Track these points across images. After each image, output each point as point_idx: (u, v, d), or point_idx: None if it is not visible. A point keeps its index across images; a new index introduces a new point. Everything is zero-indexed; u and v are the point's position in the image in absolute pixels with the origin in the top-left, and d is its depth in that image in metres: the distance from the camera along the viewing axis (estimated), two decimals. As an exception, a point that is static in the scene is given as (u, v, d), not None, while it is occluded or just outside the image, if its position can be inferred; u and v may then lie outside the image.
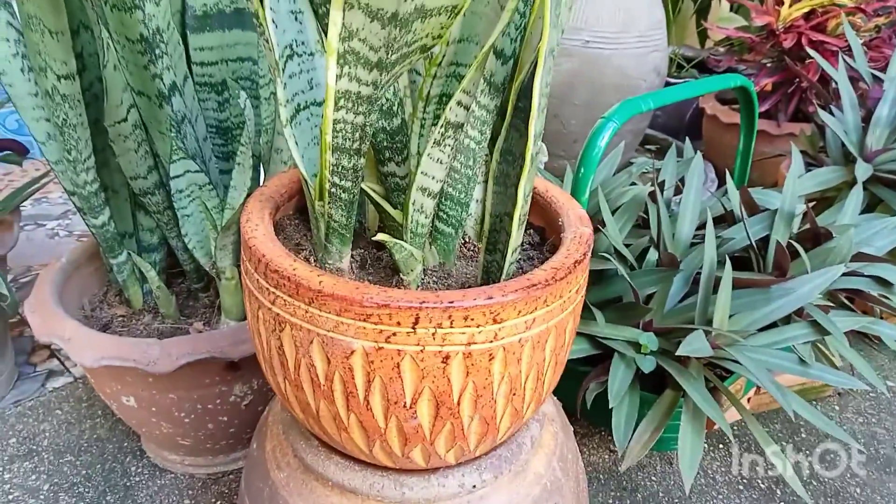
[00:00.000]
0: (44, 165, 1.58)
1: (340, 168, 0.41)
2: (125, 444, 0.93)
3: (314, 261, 0.48)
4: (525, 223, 0.44)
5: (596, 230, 0.87)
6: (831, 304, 0.87)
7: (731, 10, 1.83)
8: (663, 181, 0.94)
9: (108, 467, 0.88)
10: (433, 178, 0.43)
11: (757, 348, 0.77)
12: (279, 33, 0.39)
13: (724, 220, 1.00)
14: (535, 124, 0.37)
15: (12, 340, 1.07)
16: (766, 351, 0.77)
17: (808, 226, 0.91)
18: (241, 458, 0.87)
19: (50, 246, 1.43)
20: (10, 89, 0.68)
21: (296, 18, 0.40)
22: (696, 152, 0.98)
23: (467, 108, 0.40)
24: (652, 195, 0.90)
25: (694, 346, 0.70)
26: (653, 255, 0.88)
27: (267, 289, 0.43)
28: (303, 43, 0.41)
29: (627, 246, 0.89)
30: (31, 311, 0.76)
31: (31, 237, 1.45)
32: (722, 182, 1.51)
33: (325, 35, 0.40)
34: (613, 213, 0.90)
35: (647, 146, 1.75)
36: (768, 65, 1.50)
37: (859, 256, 0.87)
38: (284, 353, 0.43)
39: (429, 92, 0.42)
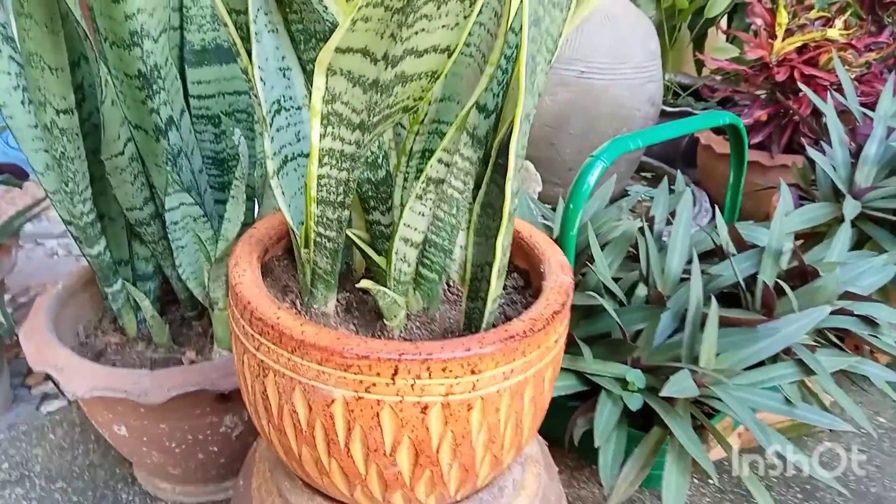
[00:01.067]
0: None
1: (325, 219, 0.42)
2: (117, 470, 0.93)
3: (301, 304, 0.49)
4: (504, 275, 0.45)
5: (586, 265, 0.88)
6: (820, 342, 0.88)
7: (728, 40, 1.85)
8: (653, 216, 0.95)
9: (99, 494, 0.89)
10: (415, 229, 0.44)
11: (742, 387, 0.78)
12: (267, 90, 0.40)
13: (714, 254, 1.01)
14: (512, 184, 0.38)
15: (8, 362, 1.08)
16: (751, 390, 0.78)
17: (795, 263, 0.91)
18: (232, 487, 0.87)
19: (49, 265, 1.44)
20: (10, 121, 0.69)
21: (284, 75, 0.41)
22: (687, 186, 0.99)
23: (448, 165, 0.42)
24: (642, 230, 0.92)
25: (679, 386, 0.71)
26: (642, 290, 0.89)
27: (252, 335, 0.43)
28: (290, 98, 0.42)
29: (617, 280, 0.90)
30: (26, 338, 0.77)
31: (31, 256, 1.47)
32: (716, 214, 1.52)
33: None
34: (603, 247, 0.91)
35: (643, 173, 1.77)
36: (762, 96, 1.51)
37: (847, 295, 0.88)
38: (268, 398, 0.44)
39: (412, 147, 0.43)
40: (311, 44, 0.40)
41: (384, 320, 0.48)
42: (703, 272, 0.91)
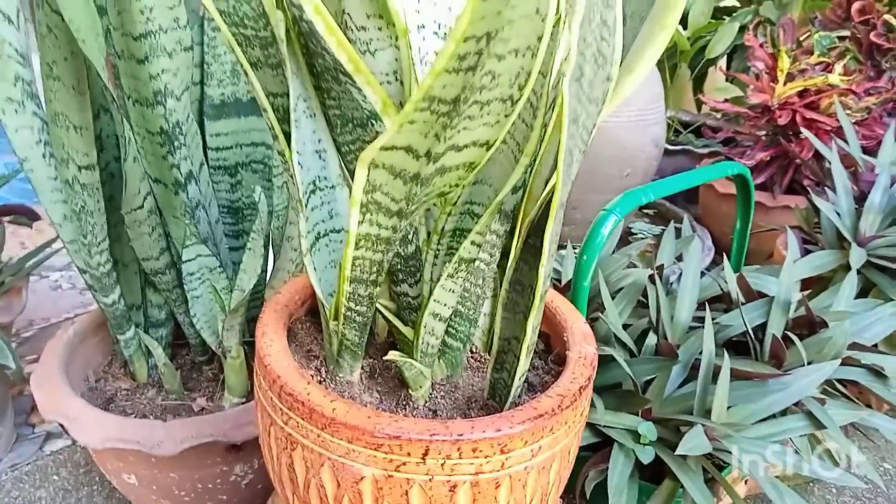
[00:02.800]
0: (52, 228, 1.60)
1: (357, 295, 0.42)
2: (121, 514, 0.92)
3: (325, 372, 0.50)
4: (532, 351, 0.45)
5: (596, 313, 0.89)
6: (829, 392, 0.88)
7: (727, 80, 1.88)
8: (662, 265, 0.96)
9: (103, 540, 0.88)
10: (445, 304, 0.44)
11: (753, 441, 0.78)
12: (304, 172, 0.41)
13: (721, 300, 1.02)
14: (546, 268, 0.39)
15: (12, 399, 1.07)
16: (762, 444, 0.78)
17: (803, 312, 0.92)
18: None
19: (53, 298, 1.44)
20: (31, 174, 0.70)
21: (320, 157, 0.42)
22: (694, 235, 1.00)
23: (479, 246, 0.42)
24: (652, 278, 0.92)
25: (693, 443, 0.71)
26: (652, 339, 0.89)
27: (280, 409, 0.44)
28: (325, 178, 0.43)
29: (627, 327, 0.91)
30: (38, 385, 0.77)
31: (35, 289, 1.46)
32: (718, 251, 1.53)
33: (347, 169, 0.43)
34: (613, 296, 0.92)
35: (645, 210, 1.78)
36: (763, 137, 1.53)
37: (854, 346, 0.89)
38: (295, 471, 0.44)
39: (443, 227, 0.44)
40: (348, 128, 0.41)
41: (409, 389, 0.49)
42: (712, 321, 0.92)
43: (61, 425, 0.76)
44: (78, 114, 0.63)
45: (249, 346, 0.84)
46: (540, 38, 0.31)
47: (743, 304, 0.92)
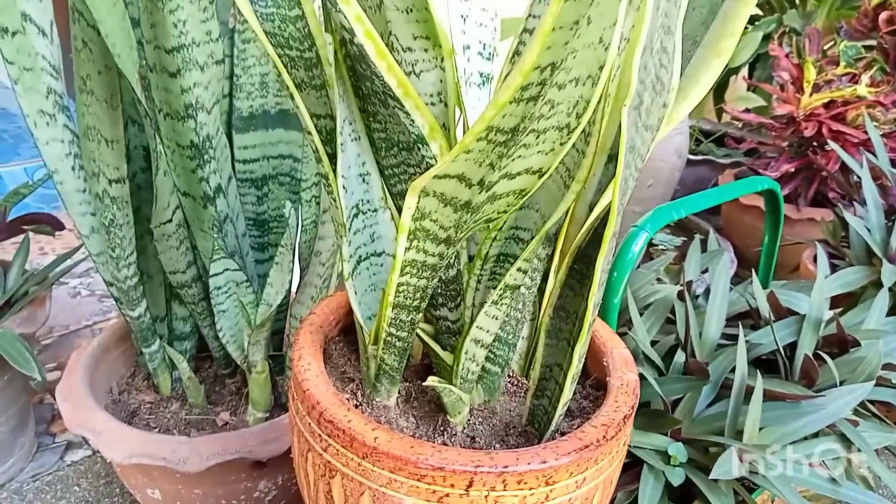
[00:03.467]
0: (76, 237, 1.60)
1: (398, 321, 0.41)
2: (142, 526, 0.92)
3: (362, 395, 0.49)
4: (577, 380, 0.44)
5: (623, 327, 0.87)
6: (860, 412, 0.86)
7: (748, 89, 1.86)
8: (690, 281, 0.95)
9: (125, 554, 0.87)
10: (487, 331, 0.43)
11: (785, 463, 0.77)
12: (348, 196, 0.40)
13: (748, 316, 1.00)
14: (596, 297, 0.38)
15: (33, 408, 1.07)
16: (794, 467, 0.77)
17: (834, 330, 0.91)
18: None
19: (72, 305, 1.44)
20: (60, 186, 0.70)
21: (363, 180, 0.41)
22: (723, 252, 0.98)
23: (525, 272, 0.41)
24: (681, 295, 0.91)
25: (726, 467, 0.69)
26: (680, 356, 0.88)
27: (319, 435, 0.43)
28: (368, 201, 0.42)
29: (654, 343, 0.90)
30: (63, 398, 0.76)
31: (54, 295, 1.45)
32: (741, 263, 1.52)
33: (390, 192, 0.42)
34: (641, 313, 0.90)
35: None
36: (787, 147, 1.52)
37: (887, 366, 0.87)
38: (333, 499, 0.44)
39: (487, 252, 0.43)
40: (393, 151, 0.40)
41: (446, 415, 0.48)
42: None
43: (86, 439, 0.76)
44: (110, 127, 0.62)
45: (274, 360, 0.83)
46: (601, 67, 0.30)
47: (773, 321, 0.91)
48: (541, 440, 0.47)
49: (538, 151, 0.33)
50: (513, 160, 0.32)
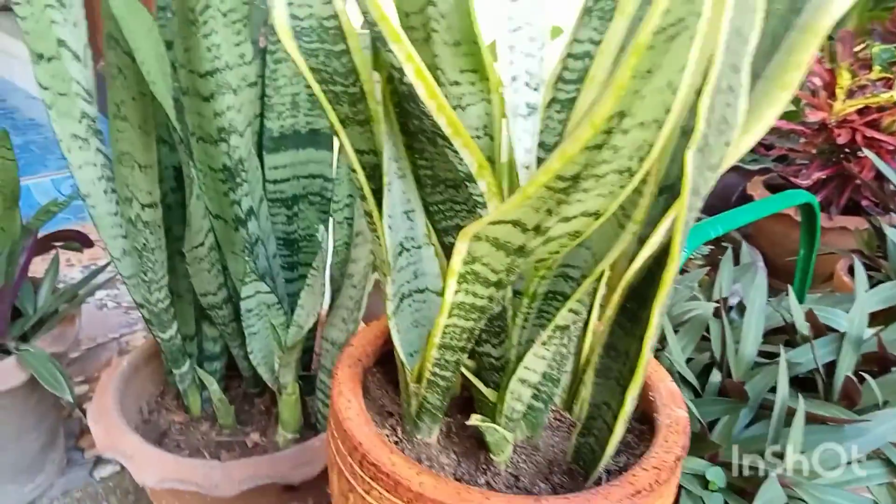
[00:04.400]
0: (105, 253, 1.61)
1: (443, 361, 0.40)
2: (171, 545, 0.92)
3: (402, 432, 0.48)
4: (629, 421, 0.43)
5: (658, 348, 0.86)
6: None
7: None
8: (726, 298, 0.93)
9: (155, 574, 0.87)
10: (535, 371, 0.42)
11: (828, 489, 0.75)
12: (392, 234, 0.39)
13: (783, 331, 0.98)
14: (652, 340, 0.37)
15: (62, 423, 1.08)
16: (838, 492, 0.74)
17: (875, 348, 0.88)
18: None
19: (99, 318, 1.45)
20: (92, 210, 0.70)
21: (408, 217, 0.40)
22: (757, 267, 0.96)
23: (577, 313, 0.40)
24: (716, 312, 0.89)
25: (769, 495, 0.68)
26: (715, 376, 0.86)
27: (362, 477, 0.42)
28: (412, 238, 0.41)
29: (688, 362, 0.88)
30: (95, 420, 0.76)
31: (81, 309, 1.47)
32: (770, 272, 1.48)
33: (435, 229, 0.41)
34: (676, 331, 0.89)
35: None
36: (817, 154, 1.48)
37: (932, 386, 0.84)
38: (375, 541, 0.42)
39: (535, 290, 0.42)
40: (439, 188, 0.39)
41: (488, 452, 0.46)
42: (779, 356, 0.88)
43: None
44: (143, 153, 0.62)
45: (303, 381, 0.82)
46: (668, 111, 0.28)
47: (811, 339, 0.88)
48: (586, 479, 0.46)
49: (597, 195, 0.31)
50: (571, 205, 0.31)
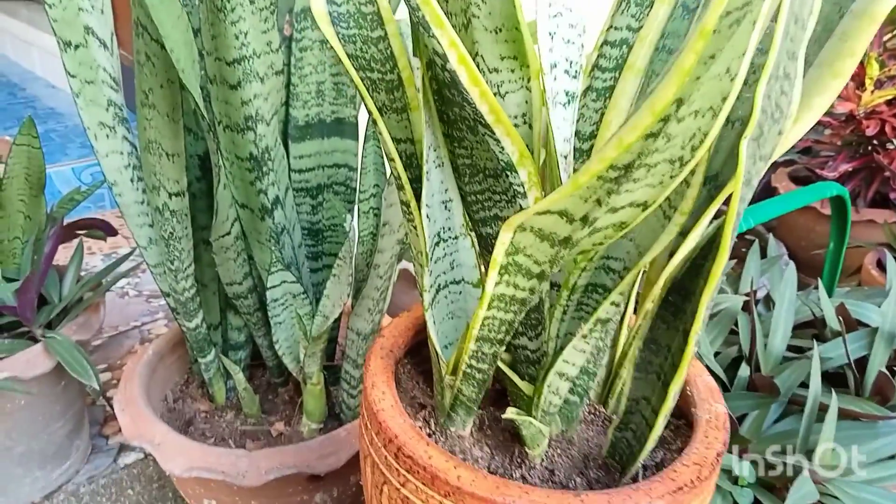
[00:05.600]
0: (127, 242, 1.62)
1: (481, 353, 0.40)
2: (195, 532, 0.92)
3: (435, 424, 0.47)
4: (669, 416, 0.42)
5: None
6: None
7: (804, 84, 1.79)
8: (756, 290, 0.91)
9: (180, 561, 0.88)
10: (573, 364, 0.41)
11: (860, 485, 0.73)
12: (430, 224, 0.38)
13: (812, 325, 0.96)
14: (699, 334, 0.36)
15: (87, 410, 1.08)
16: (869, 489, 0.73)
17: (907, 343, 0.86)
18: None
19: (120, 306, 1.45)
20: (119, 198, 0.70)
21: (445, 207, 0.40)
22: (787, 260, 0.95)
23: (618, 306, 0.39)
24: (746, 306, 0.88)
25: (801, 492, 0.66)
26: (744, 370, 0.85)
27: (397, 469, 0.41)
28: (449, 229, 0.40)
29: (716, 355, 0.87)
30: (121, 409, 0.77)
31: (102, 295, 1.48)
32: (795, 265, 1.47)
33: (472, 219, 0.40)
34: (703, 324, 0.87)
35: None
36: (841, 144, 1.46)
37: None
38: (410, 534, 0.42)
39: (575, 282, 0.41)
40: (478, 178, 0.38)
41: (523, 445, 0.46)
42: (808, 351, 0.87)
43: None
44: (171, 141, 0.62)
45: (328, 370, 0.82)
46: (724, 99, 0.27)
47: (844, 334, 0.87)
48: (622, 474, 0.45)
49: (647, 185, 0.30)
50: (620, 195, 0.30)
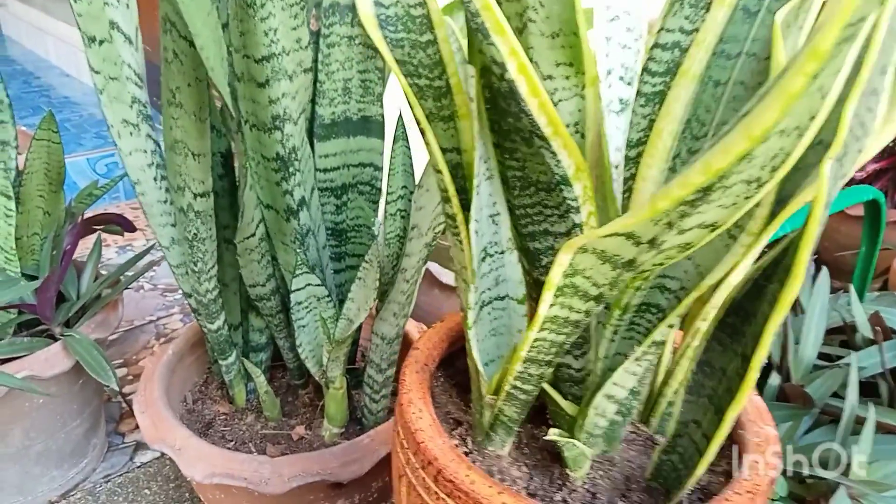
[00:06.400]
0: (143, 234, 1.61)
1: (527, 375, 0.38)
2: (213, 533, 0.91)
3: (472, 443, 0.45)
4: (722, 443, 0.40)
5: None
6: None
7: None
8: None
9: (198, 563, 0.87)
10: (623, 387, 0.39)
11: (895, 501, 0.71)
12: (478, 239, 0.37)
13: (841, 331, 0.94)
14: (763, 362, 0.34)
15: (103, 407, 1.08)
16: (908, 505, 0.71)
17: (943, 353, 0.84)
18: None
19: (136, 300, 1.45)
20: (142, 197, 0.68)
21: (493, 221, 0.38)
22: (817, 264, 0.92)
23: (672, 327, 0.37)
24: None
25: (840, 509, 0.64)
26: (774, 378, 0.83)
27: (437, 493, 0.40)
28: (496, 243, 0.39)
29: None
30: (141, 411, 0.75)
31: (118, 289, 1.47)
32: (819, 267, 1.44)
33: (519, 233, 0.38)
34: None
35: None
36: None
37: None
38: (448, 559, 0.40)
39: (628, 302, 0.39)
40: (529, 191, 0.36)
41: (564, 468, 0.44)
42: (838, 359, 0.85)
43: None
44: (197, 141, 0.60)
45: (349, 374, 0.81)
46: (812, 118, 0.25)
47: (880, 342, 0.85)
48: (667, 497, 0.43)
49: (719, 206, 0.28)
50: (691, 217, 0.28)
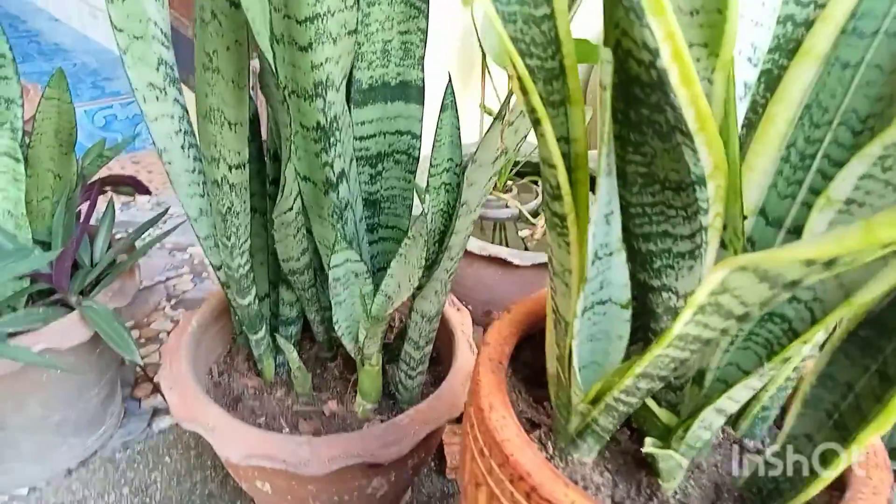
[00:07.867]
0: (155, 194, 1.55)
1: (635, 388, 0.35)
2: (238, 503, 0.90)
3: (553, 447, 0.42)
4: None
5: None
6: None
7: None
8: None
9: (226, 536, 0.85)
10: (737, 402, 0.36)
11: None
12: (592, 240, 0.33)
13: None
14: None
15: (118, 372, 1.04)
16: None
17: None
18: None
19: (143, 260, 1.39)
20: (168, 166, 0.63)
21: (607, 220, 0.34)
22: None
23: (806, 343, 0.34)
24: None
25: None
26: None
27: (528, 510, 0.37)
28: (606, 245, 0.35)
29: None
30: (169, 387, 0.72)
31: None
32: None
33: (632, 234, 0.34)
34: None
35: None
36: None
37: None
38: (537, 577, 0.38)
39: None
40: (652, 189, 0.32)
41: (651, 475, 0.41)
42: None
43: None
44: (234, 109, 0.55)
45: (384, 349, 0.78)
46: None
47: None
48: (762, 508, 0.41)
49: None
50: None
